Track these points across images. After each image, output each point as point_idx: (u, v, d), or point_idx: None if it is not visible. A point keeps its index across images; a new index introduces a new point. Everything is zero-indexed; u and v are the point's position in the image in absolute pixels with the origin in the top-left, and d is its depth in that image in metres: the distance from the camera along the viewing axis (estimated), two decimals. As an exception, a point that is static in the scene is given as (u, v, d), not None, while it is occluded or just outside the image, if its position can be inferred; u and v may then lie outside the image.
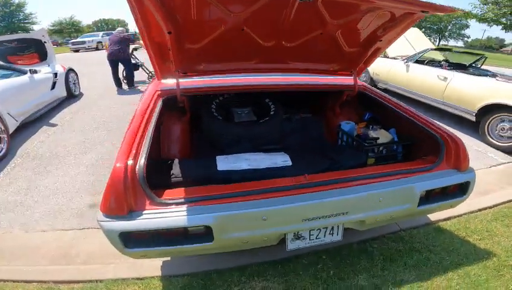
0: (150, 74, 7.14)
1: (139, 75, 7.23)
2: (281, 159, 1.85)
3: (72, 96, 5.86)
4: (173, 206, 1.32)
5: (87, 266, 1.85)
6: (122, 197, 1.27)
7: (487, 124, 4.02)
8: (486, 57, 5.67)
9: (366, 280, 1.72)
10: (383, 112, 2.38)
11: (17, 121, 3.84)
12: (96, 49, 19.44)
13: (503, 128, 3.85)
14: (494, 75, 4.57)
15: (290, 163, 1.83)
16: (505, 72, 5.19)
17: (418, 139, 2.08)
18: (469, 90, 4.31)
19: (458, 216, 2.32)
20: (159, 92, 2.08)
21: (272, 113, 2.33)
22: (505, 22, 8.31)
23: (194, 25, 1.69)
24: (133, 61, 7.04)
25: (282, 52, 2.08)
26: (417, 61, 5.47)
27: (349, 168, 1.83)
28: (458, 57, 5.64)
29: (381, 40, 2.01)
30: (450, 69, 4.89)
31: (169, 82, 2.14)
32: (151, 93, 2.08)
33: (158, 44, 1.74)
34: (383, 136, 2.21)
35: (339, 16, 1.78)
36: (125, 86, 7.00)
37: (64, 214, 2.36)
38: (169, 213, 1.30)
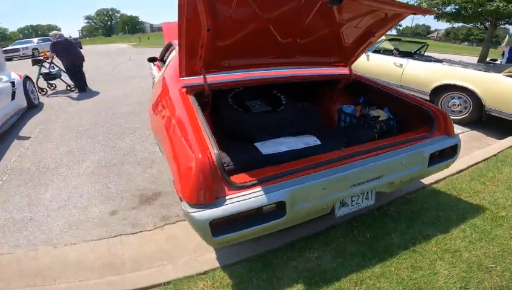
0: (70, 87, 6.75)
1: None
2: (311, 140, 2.08)
3: (32, 106, 5.36)
4: (250, 188, 1.45)
5: (145, 271, 1.83)
6: (211, 186, 1.36)
7: (440, 101, 4.72)
8: (428, 45, 6.56)
9: (399, 238, 2.03)
10: (375, 95, 2.74)
11: (-15, 136, 3.48)
12: (33, 56, 17.45)
13: (454, 104, 4.58)
14: (438, 60, 5.35)
15: (319, 142, 2.06)
16: (445, 58, 6.09)
17: (410, 114, 2.46)
18: (422, 74, 5.02)
19: (444, 179, 2.79)
20: (185, 88, 2.12)
21: (284, 102, 2.53)
22: (437, 11, 9.60)
23: (229, 24, 1.81)
24: (52, 71, 6.59)
25: (293, 48, 2.29)
26: (375, 51, 6.10)
27: (364, 142, 2.13)
28: (406, 46, 6.44)
29: (374, 36, 2.35)
30: (402, 57, 5.60)
31: (189, 79, 2.20)
32: (176, 91, 2.12)
33: (192, 42, 1.82)
34: (380, 114, 2.56)
35: (347, 16, 2.06)
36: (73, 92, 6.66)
37: (86, 225, 2.29)
38: (249, 195, 1.42)
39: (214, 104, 2.42)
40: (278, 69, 2.56)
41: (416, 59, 5.43)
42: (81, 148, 3.63)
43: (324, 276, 1.74)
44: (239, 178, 1.52)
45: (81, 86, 6.69)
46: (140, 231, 2.23)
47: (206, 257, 1.93)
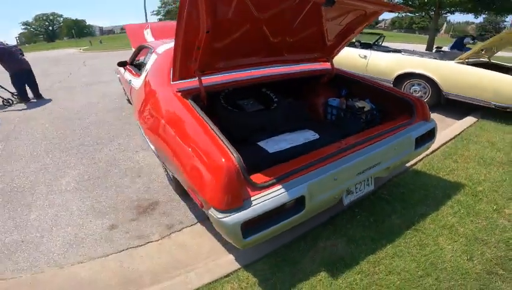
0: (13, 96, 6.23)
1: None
2: (310, 134, 2.17)
3: (-15, 123, 4.84)
4: (271, 187, 1.50)
5: (168, 282, 1.79)
6: (238, 190, 1.39)
7: (403, 88, 5.13)
8: (385, 36, 7.05)
9: (399, 219, 2.23)
10: (356, 87, 2.92)
11: None
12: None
13: (415, 90, 5.01)
14: (397, 50, 5.79)
15: (317, 136, 2.17)
16: (399, 47, 6.59)
17: (389, 103, 2.67)
18: (385, 64, 5.43)
19: (421, 159, 3.07)
20: (180, 93, 2.09)
21: (275, 100, 2.60)
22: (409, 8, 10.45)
23: (226, 25, 1.82)
24: None
25: (282, 46, 2.36)
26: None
27: (355, 132, 2.28)
28: (366, 37, 6.84)
29: (353, 32, 2.51)
30: (363, 48, 5.96)
31: (181, 82, 2.16)
32: (172, 96, 2.08)
33: (188, 44, 1.80)
34: (365, 105, 2.74)
35: (333, 14, 2.18)
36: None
37: (87, 242, 2.17)
38: (272, 193, 1.48)
39: (208, 106, 2.41)
40: (266, 67, 2.63)
41: (376, 50, 5.84)
42: (55, 164, 3.38)
43: (343, 261, 1.87)
44: (257, 178, 1.56)
45: (35, 93, 6.36)
46: (147, 243, 2.17)
47: (224, 260, 1.94)
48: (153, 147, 2.26)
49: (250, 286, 1.74)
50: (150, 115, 2.25)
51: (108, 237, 2.22)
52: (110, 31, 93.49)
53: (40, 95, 6.47)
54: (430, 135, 2.41)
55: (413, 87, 5.05)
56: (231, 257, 1.96)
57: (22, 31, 78.73)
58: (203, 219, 2.38)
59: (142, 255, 2.06)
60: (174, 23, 7.03)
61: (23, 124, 4.85)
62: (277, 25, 2.06)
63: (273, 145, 2.01)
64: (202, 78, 2.23)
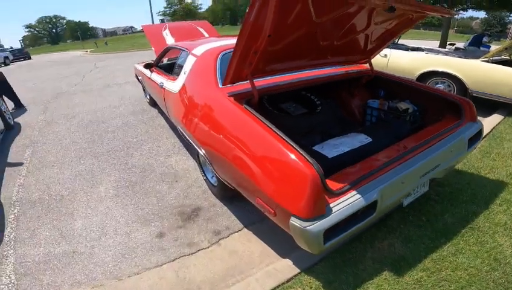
0: None
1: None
2: (363, 138, 2.14)
3: (9, 128, 4.85)
4: (347, 193, 1.49)
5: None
6: (322, 198, 1.38)
7: (426, 87, 5.07)
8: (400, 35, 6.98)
9: (452, 218, 2.21)
10: (396, 87, 2.87)
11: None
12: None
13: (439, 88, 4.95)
14: (418, 49, 5.73)
15: (370, 139, 2.13)
16: (416, 45, 6.52)
17: (432, 104, 2.62)
18: (406, 63, 5.37)
19: (460, 158, 3.02)
20: (232, 97, 2.06)
21: (318, 103, 2.56)
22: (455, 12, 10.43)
23: (285, 29, 1.78)
24: None
25: (328, 49, 2.33)
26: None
27: (405, 135, 2.24)
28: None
29: (396, 36, 2.48)
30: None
31: (230, 86, 2.13)
32: (225, 101, 2.04)
33: (248, 48, 1.77)
34: (408, 107, 2.70)
35: (382, 18, 2.14)
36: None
37: (139, 252, 2.15)
38: (348, 199, 1.47)
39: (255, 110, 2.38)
40: (310, 70, 2.59)
41: (394, 48, 5.79)
42: (89, 170, 3.37)
43: (405, 260, 1.87)
44: (329, 184, 1.54)
45: (16, 103, 6.21)
46: (198, 250, 2.15)
47: (281, 265, 1.92)
48: (202, 152, 2.23)
49: (315, 289, 1.72)
50: (199, 120, 2.22)
51: (159, 246, 2.20)
52: (113, 33, 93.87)
53: (22, 105, 6.33)
54: (478, 135, 2.38)
55: (437, 85, 4.99)
56: (287, 261, 1.94)
57: (25, 33, 79.32)
58: (249, 224, 2.36)
59: (196, 264, 2.04)
60: (189, 23, 6.96)
61: (46, 129, 4.85)
62: (330, 28, 2.02)
63: (330, 149, 1.98)
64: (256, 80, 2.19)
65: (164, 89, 3.30)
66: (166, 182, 3.02)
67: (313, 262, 1.90)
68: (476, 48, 7.58)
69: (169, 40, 5.22)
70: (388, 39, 2.54)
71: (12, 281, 1.98)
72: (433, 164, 1.89)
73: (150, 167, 3.33)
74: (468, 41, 7.72)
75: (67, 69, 12.71)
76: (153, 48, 5.20)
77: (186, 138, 2.60)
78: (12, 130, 4.94)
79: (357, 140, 2.10)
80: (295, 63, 2.28)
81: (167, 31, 5.50)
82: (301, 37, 1.95)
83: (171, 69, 3.56)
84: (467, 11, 10.48)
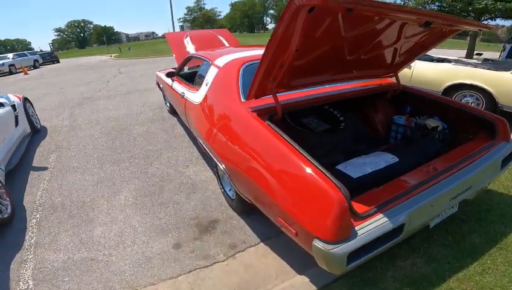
0: None
1: None
2: (389, 157, 2.05)
3: (35, 131, 5.05)
4: (373, 216, 1.43)
5: None
6: (348, 222, 1.33)
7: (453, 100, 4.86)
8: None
9: (479, 238, 2.12)
10: (423, 103, 2.75)
11: (2, 170, 3.21)
12: (10, 73, 16.84)
13: (467, 102, 4.73)
14: (445, 60, 5.52)
15: (396, 159, 2.04)
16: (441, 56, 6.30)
17: (462, 122, 2.48)
18: (433, 74, 5.16)
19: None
20: (255, 112, 2.03)
21: (341, 118, 2.49)
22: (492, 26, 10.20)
23: (312, 43, 1.74)
24: None
25: (354, 63, 2.27)
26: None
27: (435, 155, 2.13)
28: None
29: (426, 49, 2.38)
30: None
31: (253, 101, 2.11)
32: (248, 117, 2.02)
33: (274, 62, 1.74)
34: (437, 124, 2.57)
35: (414, 32, 2.06)
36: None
37: (155, 262, 2.15)
38: (375, 223, 1.42)
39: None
40: (334, 84, 2.53)
41: (423, 60, 5.58)
42: (110, 177, 3.43)
43: (428, 279, 1.79)
44: (355, 206, 1.48)
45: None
46: (214, 263, 2.12)
47: (298, 282, 1.88)
48: (222, 166, 2.21)
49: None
50: (220, 134, 2.21)
51: (175, 257, 2.19)
52: (136, 38, 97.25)
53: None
54: (511, 155, 2.24)
55: (465, 99, 4.77)
56: (303, 277, 1.89)
57: (55, 37, 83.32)
58: (265, 238, 2.31)
59: (211, 277, 2.01)
60: (209, 31, 6.99)
61: (72, 134, 5.02)
62: (358, 43, 1.96)
63: (354, 169, 1.90)
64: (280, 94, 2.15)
65: (186, 99, 3.33)
66: (184, 193, 3.02)
67: (330, 280, 1.84)
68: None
69: (190, 48, 5.30)
70: (417, 53, 2.45)
71: (30, 287, 2.02)
72: (464, 186, 1.79)
73: (168, 177, 3.35)
74: (506, 52, 7.30)
75: (92, 74, 13.21)
76: (173, 55, 5.29)
77: (206, 150, 2.60)
78: (39, 133, 5.14)
79: (383, 159, 2.01)
80: (319, 78, 2.24)
81: (188, 38, 5.59)
82: (328, 51, 1.91)
83: (192, 79, 3.59)
84: (495, 20, 10.07)
